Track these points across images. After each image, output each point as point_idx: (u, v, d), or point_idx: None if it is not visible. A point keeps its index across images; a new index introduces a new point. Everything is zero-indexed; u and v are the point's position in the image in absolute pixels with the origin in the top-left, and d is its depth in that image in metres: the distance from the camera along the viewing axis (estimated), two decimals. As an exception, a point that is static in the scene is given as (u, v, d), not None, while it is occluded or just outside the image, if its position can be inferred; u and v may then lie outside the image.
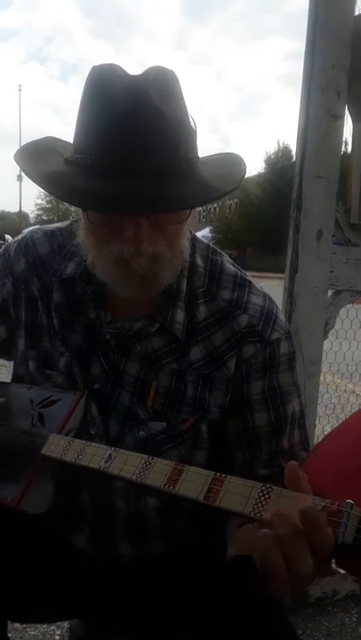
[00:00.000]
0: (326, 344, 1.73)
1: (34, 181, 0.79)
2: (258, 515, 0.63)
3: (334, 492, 0.62)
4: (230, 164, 0.88)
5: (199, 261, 0.95)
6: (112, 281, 0.86)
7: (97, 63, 0.82)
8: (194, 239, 0.95)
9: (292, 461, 0.66)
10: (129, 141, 0.74)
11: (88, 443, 0.81)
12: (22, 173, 0.84)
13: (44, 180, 0.79)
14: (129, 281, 0.84)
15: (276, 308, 0.96)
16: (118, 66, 0.80)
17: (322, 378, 1.72)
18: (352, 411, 2.23)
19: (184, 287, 0.92)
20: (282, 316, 0.96)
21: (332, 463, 0.72)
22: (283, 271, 1.63)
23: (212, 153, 0.92)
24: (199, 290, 0.93)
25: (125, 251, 0.80)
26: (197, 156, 0.83)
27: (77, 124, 0.81)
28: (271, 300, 0.96)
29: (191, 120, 0.81)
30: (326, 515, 0.59)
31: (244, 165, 0.87)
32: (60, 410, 0.89)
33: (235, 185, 0.82)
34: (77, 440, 0.82)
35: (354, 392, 3.17)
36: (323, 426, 2.06)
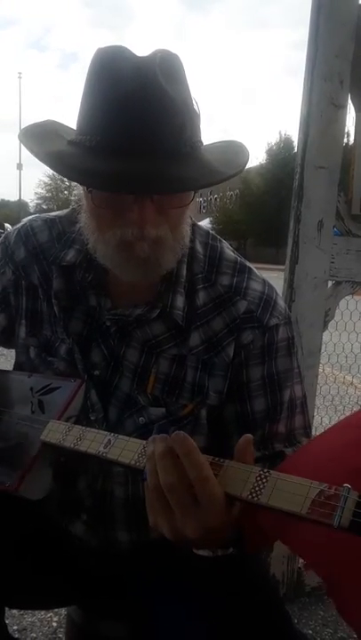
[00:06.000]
0: (325, 335, 1.72)
1: (41, 160, 0.79)
2: (255, 499, 0.63)
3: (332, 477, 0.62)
4: (233, 150, 0.88)
5: (199, 247, 0.95)
6: (114, 265, 0.86)
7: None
8: (194, 225, 0.95)
9: (248, 434, 0.69)
10: (135, 121, 0.74)
11: (87, 428, 0.81)
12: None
13: (52, 159, 0.79)
14: (131, 265, 0.83)
15: (276, 293, 0.96)
16: (125, 47, 0.79)
17: (320, 369, 1.72)
18: (350, 402, 2.24)
19: (184, 273, 0.92)
20: (281, 302, 0.96)
21: (333, 460, 0.72)
22: (283, 263, 1.63)
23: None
24: (199, 275, 0.93)
25: (129, 234, 0.80)
26: (201, 140, 0.83)
27: (82, 106, 0.80)
28: (270, 286, 0.96)
29: (195, 104, 0.81)
30: (324, 499, 0.59)
31: (247, 151, 0.87)
32: (59, 397, 0.89)
33: (239, 169, 0.82)
34: (77, 426, 0.82)
35: (352, 384, 3.18)
36: (321, 417, 2.06)
